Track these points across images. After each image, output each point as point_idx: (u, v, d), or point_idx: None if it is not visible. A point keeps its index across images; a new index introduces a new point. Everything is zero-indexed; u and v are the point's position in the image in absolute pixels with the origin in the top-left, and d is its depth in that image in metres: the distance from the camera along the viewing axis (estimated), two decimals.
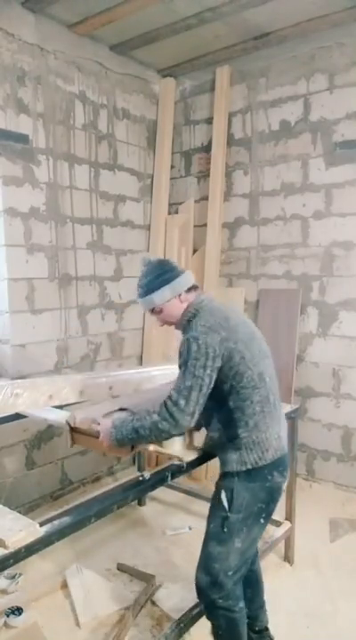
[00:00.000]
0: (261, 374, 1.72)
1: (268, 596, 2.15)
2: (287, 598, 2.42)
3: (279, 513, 2.72)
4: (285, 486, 1.84)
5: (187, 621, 2.02)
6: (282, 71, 3.55)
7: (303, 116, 3.49)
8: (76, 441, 1.99)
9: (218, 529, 1.72)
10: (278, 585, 2.51)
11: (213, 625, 1.81)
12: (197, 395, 1.61)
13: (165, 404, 1.63)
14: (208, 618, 1.83)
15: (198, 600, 1.86)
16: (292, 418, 2.62)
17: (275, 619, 2.22)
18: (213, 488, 1.83)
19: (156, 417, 1.63)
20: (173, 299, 1.80)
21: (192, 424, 1.65)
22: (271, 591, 2.42)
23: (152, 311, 1.85)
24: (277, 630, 2.12)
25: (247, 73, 3.70)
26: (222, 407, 1.74)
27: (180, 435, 1.81)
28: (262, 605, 2.08)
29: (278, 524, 2.69)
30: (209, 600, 1.75)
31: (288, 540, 2.69)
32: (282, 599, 2.40)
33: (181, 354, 1.67)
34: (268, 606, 2.11)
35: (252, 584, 2.02)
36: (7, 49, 2.93)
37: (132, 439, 1.69)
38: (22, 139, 3.04)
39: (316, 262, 3.51)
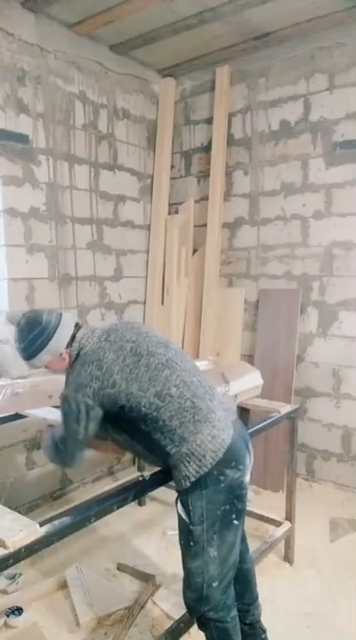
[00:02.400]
0: (159, 393, 1.65)
1: (268, 595, 2.16)
2: (287, 598, 2.42)
3: (279, 513, 2.73)
4: (247, 478, 1.71)
5: (187, 621, 2.01)
6: (282, 71, 3.55)
7: (303, 115, 3.49)
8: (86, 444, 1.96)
9: (187, 544, 1.67)
10: (278, 585, 2.51)
11: (205, 636, 1.78)
12: (73, 444, 1.71)
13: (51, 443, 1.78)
14: (200, 629, 1.79)
15: None
16: (292, 418, 2.62)
17: (275, 619, 2.22)
18: None
19: (48, 452, 1.79)
20: (54, 359, 1.78)
21: (77, 464, 1.77)
22: (271, 591, 2.43)
23: None
24: (277, 630, 2.12)
25: (247, 73, 3.70)
26: (140, 435, 1.72)
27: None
28: (253, 601, 2.02)
29: (278, 524, 2.69)
30: (199, 614, 1.71)
31: (288, 539, 2.69)
32: (282, 599, 2.40)
33: None
34: (268, 606, 2.11)
35: (241, 580, 1.97)
36: (7, 49, 2.93)
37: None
38: (22, 139, 3.04)
39: (316, 262, 3.51)
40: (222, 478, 1.63)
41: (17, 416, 2.50)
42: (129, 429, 1.76)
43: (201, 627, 1.77)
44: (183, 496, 1.66)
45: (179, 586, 2.42)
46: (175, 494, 1.72)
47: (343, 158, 3.35)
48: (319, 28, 3.16)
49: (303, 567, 2.67)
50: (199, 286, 3.93)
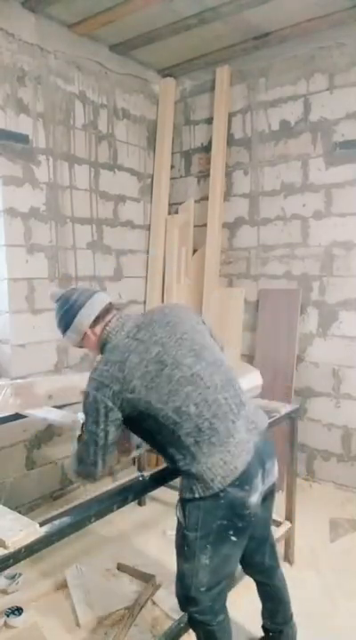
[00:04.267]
0: (177, 409, 1.57)
1: None
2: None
3: (279, 513, 2.73)
4: (255, 499, 1.62)
5: (187, 621, 2.02)
6: (282, 71, 3.55)
7: (303, 115, 3.49)
8: None
9: (181, 546, 1.65)
10: None
11: (195, 634, 1.79)
12: (93, 449, 1.63)
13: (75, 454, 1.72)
14: (190, 627, 1.80)
15: None
16: (292, 418, 2.62)
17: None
18: None
19: (72, 465, 1.73)
20: (82, 337, 1.78)
21: (99, 472, 1.68)
22: None
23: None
24: None
25: (247, 73, 3.70)
26: (155, 442, 1.70)
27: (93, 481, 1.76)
28: (286, 622, 1.97)
29: (278, 524, 2.69)
30: (186, 611, 1.72)
31: (288, 540, 2.69)
32: None
33: None
34: None
35: (272, 599, 1.96)
36: (7, 49, 2.93)
37: None
38: (22, 139, 3.04)
39: (316, 262, 3.51)
40: (221, 495, 1.57)
41: (17, 416, 2.50)
42: (145, 436, 1.74)
43: (191, 625, 1.78)
44: (183, 501, 1.64)
45: None
46: (176, 495, 1.72)
47: (343, 158, 3.35)
48: (319, 27, 3.15)
49: (303, 567, 2.67)
50: (199, 286, 3.93)
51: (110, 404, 1.58)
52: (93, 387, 1.61)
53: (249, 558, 1.89)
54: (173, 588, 2.06)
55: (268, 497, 1.79)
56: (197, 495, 1.57)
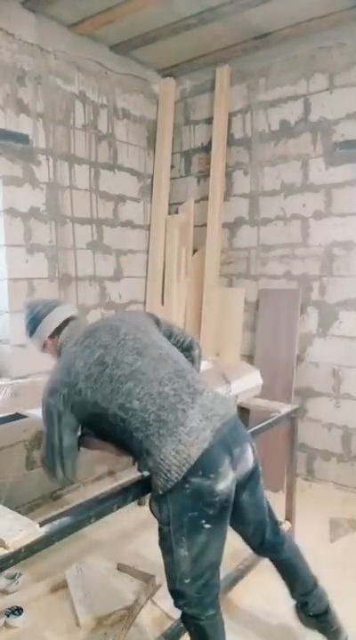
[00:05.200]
0: (121, 406, 1.63)
1: (268, 596, 2.15)
2: (287, 598, 2.41)
3: (279, 513, 2.73)
4: (222, 486, 1.60)
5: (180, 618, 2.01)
6: (282, 71, 3.55)
7: (303, 115, 3.49)
8: (87, 445, 1.95)
9: (161, 540, 1.68)
10: (278, 585, 2.51)
11: (188, 632, 1.80)
12: (50, 453, 1.72)
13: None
14: (183, 623, 1.80)
15: None
16: (292, 418, 2.62)
17: (275, 619, 2.22)
18: None
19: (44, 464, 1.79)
20: (44, 345, 1.95)
21: (61, 474, 1.75)
22: (271, 591, 2.43)
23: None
24: (277, 630, 2.12)
25: (247, 73, 3.70)
26: (118, 442, 1.74)
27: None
28: (309, 591, 1.99)
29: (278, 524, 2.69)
30: (177, 606, 1.73)
31: None
32: (282, 599, 2.40)
33: None
34: (268, 606, 2.11)
35: (285, 573, 2.00)
36: (7, 49, 2.93)
37: None
38: (22, 139, 3.04)
39: (316, 262, 3.51)
40: (186, 486, 1.57)
41: (17, 416, 2.50)
42: (108, 438, 1.78)
43: (183, 621, 1.78)
44: (153, 497, 1.68)
45: None
46: None
47: (343, 158, 3.35)
48: (319, 27, 3.16)
49: None
50: (199, 286, 3.93)
51: (61, 407, 1.67)
52: (46, 394, 1.72)
53: (252, 541, 1.95)
54: None
55: (249, 482, 1.77)
56: (160, 491, 1.61)
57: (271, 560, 2.03)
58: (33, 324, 1.94)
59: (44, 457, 1.77)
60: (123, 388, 1.65)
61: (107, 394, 1.65)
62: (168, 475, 1.58)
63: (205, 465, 1.58)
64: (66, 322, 1.93)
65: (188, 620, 1.73)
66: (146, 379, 1.66)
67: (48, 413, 1.70)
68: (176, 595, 1.69)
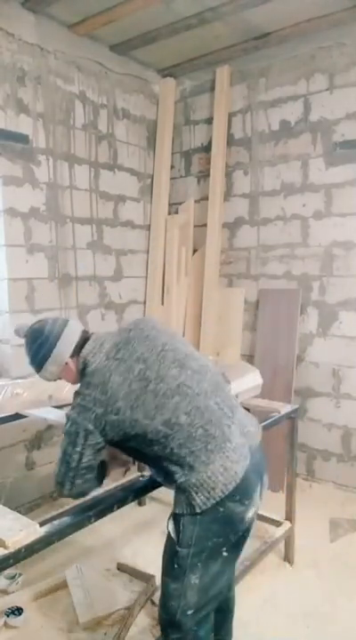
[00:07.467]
0: (167, 422, 1.52)
1: (268, 596, 2.15)
2: (287, 598, 2.42)
3: (278, 513, 2.73)
4: (252, 514, 1.58)
5: None
6: (282, 71, 3.55)
7: (303, 116, 3.49)
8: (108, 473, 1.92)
9: (170, 564, 1.57)
10: (278, 585, 2.51)
11: None
12: (65, 469, 1.57)
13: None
14: None
15: None
16: (292, 418, 2.62)
17: (275, 619, 2.22)
18: None
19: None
20: (61, 369, 1.70)
21: (68, 490, 1.59)
22: (271, 591, 2.43)
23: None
24: (277, 630, 2.12)
25: (247, 73, 3.70)
26: (147, 458, 1.64)
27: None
28: (228, 634, 1.92)
29: (278, 524, 2.69)
30: (168, 638, 1.62)
31: (288, 539, 2.69)
32: (282, 599, 2.40)
33: None
34: (268, 606, 2.10)
35: (222, 610, 1.87)
36: (7, 49, 2.93)
37: None
38: (22, 139, 3.04)
39: (316, 262, 3.51)
40: (221, 509, 1.52)
41: (17, 416, 2.50)
42: (134, 455, 1.70)
43: None
44: (178, 515, 1.56)
45: None
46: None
47: (343, 158, 3.35)
48: (319, 27, 3.15)
49: (303, 567, 2.66)
50: (199, 286, 3.93)
51: (91, 427, 1.52)
52: (75, 410, 1.56)
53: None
54: None
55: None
56: (197, 510, 1.51)
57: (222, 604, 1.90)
58: (46, 348, 1.68)
59: (56, 472, 1.62)
60: (169, 403, 1.54)
61: (150, 410, 1.53)
62: (212, 492, 1.50)
63: (242, 490, 1.54)
64: (84, 338, 1.71)
65: None
66: (192, 392, 1.58)
67: (73, 430, 1.55)
68: (173, 627, 1.58)
